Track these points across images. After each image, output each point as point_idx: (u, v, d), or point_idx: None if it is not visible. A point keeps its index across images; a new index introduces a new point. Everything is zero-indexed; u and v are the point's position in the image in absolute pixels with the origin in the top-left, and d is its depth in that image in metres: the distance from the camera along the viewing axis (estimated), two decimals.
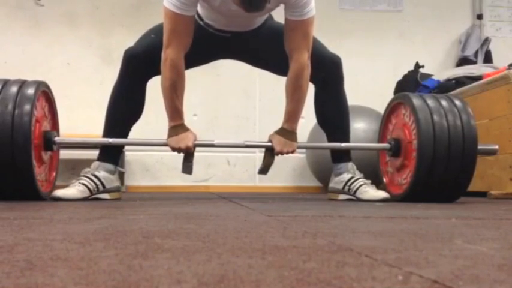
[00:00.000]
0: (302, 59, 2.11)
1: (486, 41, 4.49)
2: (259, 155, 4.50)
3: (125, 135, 2.30)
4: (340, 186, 2.33)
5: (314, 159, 3.97)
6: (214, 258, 0.63)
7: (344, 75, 2.33)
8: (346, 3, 4.62)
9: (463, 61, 4.38)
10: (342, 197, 2.34)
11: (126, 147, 4.07)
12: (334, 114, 2.34)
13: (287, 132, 2.19)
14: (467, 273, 0.54)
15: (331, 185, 2.40)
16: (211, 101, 4.37)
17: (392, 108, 2.43)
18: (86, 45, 4.36)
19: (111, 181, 2.23)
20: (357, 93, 4.16)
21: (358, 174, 2.33)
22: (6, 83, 2.05)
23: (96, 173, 2.19)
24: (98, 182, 2.18)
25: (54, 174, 2.32)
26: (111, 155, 2.26)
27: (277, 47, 2.16)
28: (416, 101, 2.22)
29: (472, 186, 3.19)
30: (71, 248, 0.71)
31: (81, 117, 4.05)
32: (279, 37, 2.15)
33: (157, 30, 2.20)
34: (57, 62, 4.28)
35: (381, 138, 2.50)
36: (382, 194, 2.21)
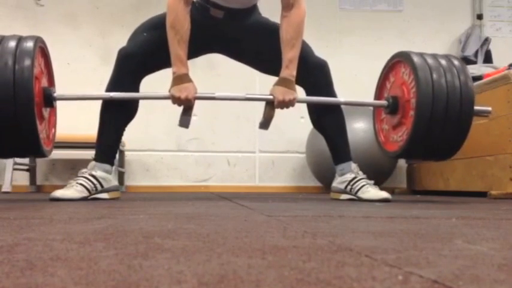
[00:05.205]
0: (304, 5, 2.20)
1: (486, 41, 4.49)
2: (259, 155, 4.51)
3: (119, 136, 2.30)
4: (342, 186, 2.34)
5: (314, 159, 3.97)
6: (214, 258, 0.63)
7: (332, 78, 2.35)
8: (346, 3, 4.62)
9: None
10: (344, 196, 2.34)
11: (126, 147, 4.08)
12: (328, 117, 2.35)
13: (287, 80, 2.20)
14: (467, 273, 0.54)
15: (334, 184, 2.40)
16: (211, 101, 4.36)
17: (391, 66, 2.41)
18: (86, 45, 4.37)
19: (109, 180, 2.23)
20: (357, 93, 4.16)
21: (361, 175, 2.33)
22: (3, 38, 1.97)
23: (93, 173, 2.19)
24: (95, 182, 2.18)
25: (53, 131, 2.30)
26: (107, 155, 2.26)
27: (267, 45, 2.24)
28: (416, 59, 2.20)
29: (472, 186, 3.19)
30: (71, 248, 0.71)
31: (81, 117, 4.05)
32: (269, 35, 2.23)
33: (148, 28, 2.22)
34: (57, 62, 4.26)
35: (378, 95, 2.49)
36: (383, 194, 2.21)
